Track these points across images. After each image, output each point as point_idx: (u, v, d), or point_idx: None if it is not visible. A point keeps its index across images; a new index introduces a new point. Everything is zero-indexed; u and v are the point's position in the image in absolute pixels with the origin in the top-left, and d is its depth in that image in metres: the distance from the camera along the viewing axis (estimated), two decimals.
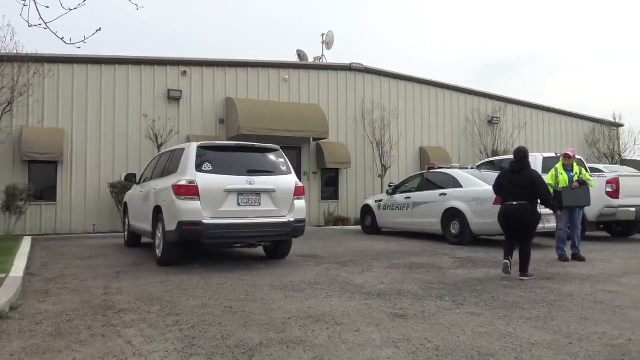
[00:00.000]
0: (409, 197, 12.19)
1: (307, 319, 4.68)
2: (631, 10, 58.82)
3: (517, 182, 6.88)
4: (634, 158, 22.64)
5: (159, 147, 13.99)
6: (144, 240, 10.10)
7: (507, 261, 6.83)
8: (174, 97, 15.30)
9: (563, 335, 4.22)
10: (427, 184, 12.04)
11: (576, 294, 5.80)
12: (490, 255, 9.03)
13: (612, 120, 23.41)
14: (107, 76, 14.68)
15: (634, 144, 22.74)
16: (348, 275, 7.05)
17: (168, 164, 8.62)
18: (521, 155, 7.06)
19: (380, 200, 13.29)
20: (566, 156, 8.95)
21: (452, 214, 10.85)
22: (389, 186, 13.48)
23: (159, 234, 7.97)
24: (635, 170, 15.02)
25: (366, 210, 13.84)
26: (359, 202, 16.32)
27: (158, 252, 7.99)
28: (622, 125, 23.56)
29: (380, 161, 17.35)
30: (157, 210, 8.03)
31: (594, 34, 60.68)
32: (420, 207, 11.74)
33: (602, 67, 59.94)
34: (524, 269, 6.86)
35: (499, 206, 9.76)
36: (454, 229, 10.80)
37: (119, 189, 13.43)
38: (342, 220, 16.78)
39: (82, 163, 14.22)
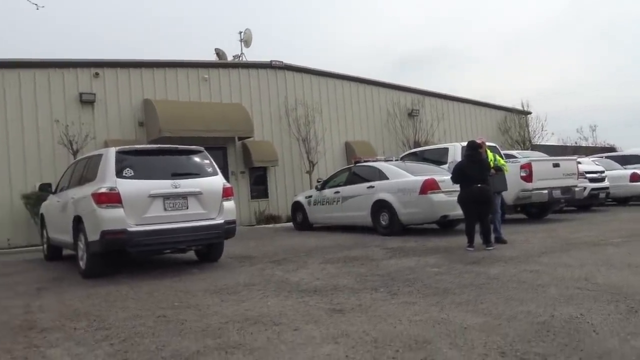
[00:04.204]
0: (337, 192, 12.32)
1: (245, 321, 4.59)
2: (532, 3, 62.65)
3: (477, 168, 8.35)
4: (542, 143, 24.16)
5: (75, 153, 13.28)
6: (66, 252, 9.56)
7: (473, 248, 8.22)
8: (87, 101, 14.57)
9: (492, 316, 4.40)
10: (354, 177, 12.22)
11: (501, 276, 6.08)
12: (420, 244, 9.30)
13: (521, 109, 24.86)
14: (10, 81, 13.75)
15: (542, 130, 24.28)
16: (283, 273, 7.01)
17: (85, 171, 8.19)
18: (476, 146, 8.61)
19: (310, 196, 13.35)
20: None
21: (380, 206, 11.07)
22: (318, 181, 13.56)
23: (81, 245, 7.55)
24: (546, 155, 16.01)
25: (297, 206, 13.85)
26: (289, 199, 16.33)
27: (81, 264, 7.58)
28: (530, 113, 25.08)
29: (307, 157, 17.43)
30: (78, 220, 7.60)
31: (497, 26, 64.09)
32: (349, 201, 11.90)
33: (507, 58, 63.44)
34: (488, 240, 8.30)
35: (425, 196, 10.23)
36: (384, 220, 11.03)
37: (34, 200, 12.59)
38: (274, 218, 16.72)
39: None
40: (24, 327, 4.79)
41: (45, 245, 10.15)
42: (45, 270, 8.58)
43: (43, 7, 4.99)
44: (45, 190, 9.87)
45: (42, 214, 10.34)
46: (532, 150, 21.06)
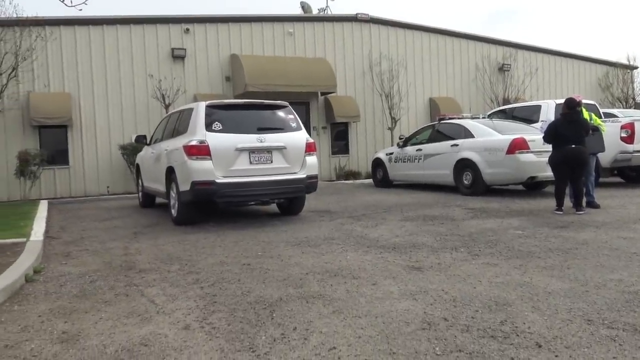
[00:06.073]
0: (420, 149, 12.12)
1: (325, 273, 4.74)
2: None
3: (573, 128, 7.91)
4: None
5: (167, 107, 13.93)
6: (158, 200, 10.20)
7: (561, 212, 7.95)
8: (178, 56, 15.11)
9: (579, 283, 4.25)
10: (438, 135, 11.94)
11: (591, 242, 5.81)
12: (503, 205, 9.03)
13: (626, 63, 22.87)
14: (109, 37, 14.49)
15: None
16: (362, 229, 7.10)
17: (177, 124, 8.59)
18: (575, 104, 8.03)
19: (391, 153, 13.24)
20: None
21: (464, 165, 10.79)
22: (400, 138, 13.39)
23: (173, 194, 8.04)
24: None
25: (377, 163, 13.82)
26: (369, 156, 16.30)
27: (173, 212, 8.07)
28: (636, 68, 23.05)
29: (390, 113, 17.19)
30: (170, 171, 8.06)
31: None
32: (431, 159, 11.69)
33: (612, 8, 58.09)
34: (579, 204, 7.97)
35: (512, 155, 9.85)
36: (467, 180, 10.76)
37: (130, 151, 13.47)
38: (353, 174, 16.80)
39: (92, 126, 14.23)
40: (124, 267, 5.24)
41: (140, 194, 10.85)
42: (140, 217, 9.22)
43: None
44: (141, 141, 10.44)
45: (137, 164, 11.03)
46: (635, 109, 19.47)
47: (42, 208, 10.47)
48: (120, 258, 5.69)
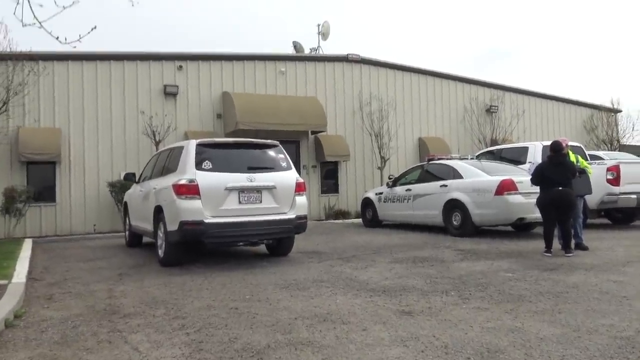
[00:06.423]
0: (409, 189, 12.16)
1: (314, 318, 4.65)
2: None
3: (560, 171, 8.01)
4: (632, 143, 22.64)
5: (157, 144, 13.92)
6: (145, 239, 10.06)
7: (550, 254, 7.94)
8: (170, 93, 15.21)
9: (571, 328, 4.20)
10: (427, 175, 12.01)
11: (581, 285, 5.79)
12: (493, 247, 9.02)
13: (610, 106, 23.37)
14: (102, 73, 14.58)
15: (632, 129, 22.74)
16: (352, 271, 7.03)
17: (167, 162, 8.56)
18: (560, 148, 8.19)
19: (381, 193, 13.26)
20: None
21: (453, 206, 10.82)
22: (389, 178, 13.45)
23: (160, 234, 7.92)
24: (635, 157, 15.00)
25: (367, 203, 13.82)
26: (359, 195, 16.31)
27: (160, 252, 7.95)
28: (620, 111, 23.54)
29: (379, 153, 17.31)
30: (158, 210, 7.97)
31: (588, 21, 60.53)
32: (421, 199, 11.72)
33: (598, 53, 59.84)
34: (567, 246, 8.00)
35: (501, 197, 9.91)
36: (456, 221, 10.78)
37: (119, 188, 13.36)
38: (343, 214, 16.76)
39: (80, 162, 14.15)
40: (108, 312, 5.11)
41: (127, 232, 10.71)
42: (126, 257, 9.07)
43: (138, 2, 5.23)
44: (130, 179, 10.38)
45: (125, 202, 10.93)
46: (620, 151, 19.79)
47: (26, 247, 10.28)
48: (104, 301, 5.56)
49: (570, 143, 9.43)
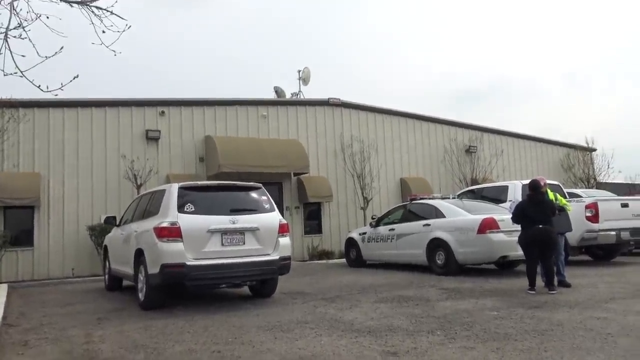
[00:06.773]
0: (392, 229, 12.18)
1: None
2: (595, 35, 61.06)
3: (540, 209, 8.10)
4: (609, 181, 23.10)
5: (139, 187, 13.82)
6: (125, 283, 9.86)
7: (534, 291, 7.94)
8: (152, 137, 15.22)
9: None
10: (410, 215, 12.07)
11: (566, 322, 5.78)
12: (477, 285, 9.01)
13: (585, 145, 23.96)
14: (83, 119, 14.57)
15: (608, 167, 23.22)
16: (336, 312, 6.94)
17: (149, 205, 8.50)
18: (539, 186, 8.31)
19: (364, 233, 13.26)
20: None
21: (436, 245, 10.84)
22: (372, 218, 13.47)
23: (141, 277, 7.78)
24: (612, 194, 15.29)
25: (350, 243, 13.78)
26: (342, 235, 16.27)
27: (140, 295, 7.79)
28: (594, 150, 24.12)
29: (362, 193, 17.40)
30: (139, 253, 7.85)
31: (561, 60, 62.69)
32: (404, 239, 11.73)
33: (572, 92, 61.74)
34: (550, 283, 8.04)
35: (483, 235, 9.98)
36: (439, 260, 10.78)
37: (99, 232, 13.15)
38: (327, 254, 16.66)
39: (60, 206, 13.94)
40: (85, 357, 4.95)
41: (106, 276, 10.49)
42: (105, 301, 8.86)
43: (120, 52, 5.31)
44: (110, 222, 10.25)
45: (105, 246, 10.74)
46: (597, 188, 20.17)
47: (1, 292, 9.98)
48: (81, 347, 5.39)
49: (548, 181, 9.59)
